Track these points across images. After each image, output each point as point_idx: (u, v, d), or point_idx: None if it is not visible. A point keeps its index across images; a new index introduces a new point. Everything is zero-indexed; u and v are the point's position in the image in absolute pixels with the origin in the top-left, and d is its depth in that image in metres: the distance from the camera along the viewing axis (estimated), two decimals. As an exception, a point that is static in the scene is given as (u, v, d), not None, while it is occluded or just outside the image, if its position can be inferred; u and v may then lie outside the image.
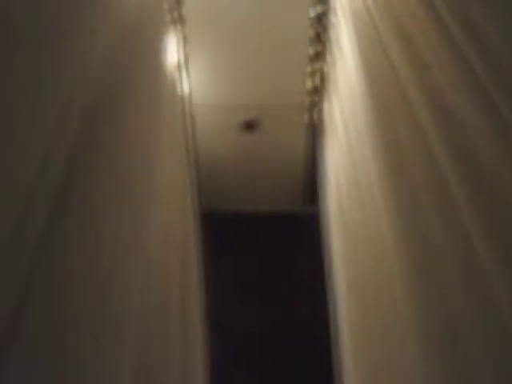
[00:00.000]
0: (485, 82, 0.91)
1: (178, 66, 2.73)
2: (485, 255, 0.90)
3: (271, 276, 3.88)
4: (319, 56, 2.97)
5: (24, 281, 0.85)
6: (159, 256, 1.73)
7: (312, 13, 2.78)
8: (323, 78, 3.06)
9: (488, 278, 0.89)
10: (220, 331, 3.13)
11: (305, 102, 3.31)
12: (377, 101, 1.70)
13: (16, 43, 0.87)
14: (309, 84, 3.18)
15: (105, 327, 1.10)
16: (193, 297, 2.48)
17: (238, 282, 3.81)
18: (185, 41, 2.80)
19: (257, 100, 3.36)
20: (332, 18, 2.64)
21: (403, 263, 1.38)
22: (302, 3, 2.76)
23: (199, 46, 2.94)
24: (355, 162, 2.16)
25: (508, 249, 0.86)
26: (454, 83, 1.06)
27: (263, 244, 4.02)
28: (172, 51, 2.50)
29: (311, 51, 2.98)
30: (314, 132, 3.52)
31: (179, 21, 2.66)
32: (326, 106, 3.10)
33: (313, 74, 3.11)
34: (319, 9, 2.74)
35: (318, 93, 3.20)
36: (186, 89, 2.96)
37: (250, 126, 3.51)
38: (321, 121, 3.30)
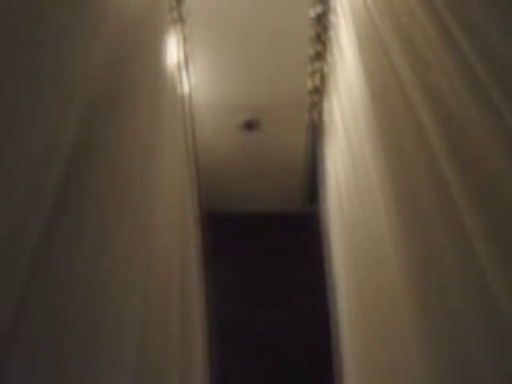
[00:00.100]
0: (485, 82, 0.91)
1: (178, 66, 2.73)
2: (485, 255, 0.90)
3: (271, 276, 3.88)
4: (319, 56, 2.97)
5: (24, 281, 0.85)
6: (159, 256, 1.73)
7: (312, 13, 2.78)
8: (323, 78, 3.06)
9: (488, 277, 0.89)
10: (220, 331, 3.13)
11: (305, 102, 3.31)
12: (377, 101, 1.70)
13: (16, 43, 0.87)
14: (309, 84, 3.18)
15: (105, 327, 1.10)
16: (193, 297, 2.48)
17: (238, 282, 3.81)
18: (185, 41, 2.80)
19: (257, 100, 3.36)
20: (332, 18, 2.64)
21: (403, 263, 1.38)
22: (302, 3, 2.76)
23: (199, 45, 2.94)
24: (355, 161, 2.16)
25: (508, 249, 0.86)
26: (454, 83, 1.06)
27: (263, 244, 4.02)
28: (172, 51, 2.50)
29: (311, 51, 2.98)
30: (314, 132, 3.52)
31: (179, 21, 2.66)
32: (326, 105, 3.10)
33: (313, 74, 3.11)
34: (319, 9, 2.74)
35: (318, 93, 3.20)
36: (186, 89, 2.95)
37: (250, 125, 3.51)
38: (321, 121, 3.30)
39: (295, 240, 4.02)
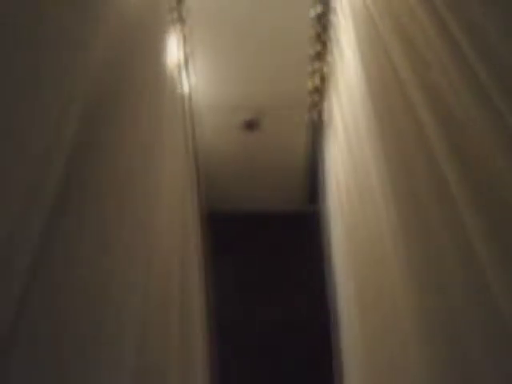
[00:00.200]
0: (485, 82, 0.91)
1: (178, 66, 2.73)
2: (485, 255, 0.90)
3: (271, 276, 3.88)
4: (319, 56, 2.97)
5: (24, 281, 0.85)
6: (159, 256, 1.73)
7: (312, 13, 2.78)
8: (323, 78, 3.06)
9: (488, 277, 0.89)
10: (220, 331, 3.13)
11: (305, 101, 3.31)
12: (377, 101, 1.70)
13: (16, 43, 0.87)
14: (309, 84, 3.18)
15: (105, 327, 1.10)
16: (193, 297, 2.48)
17: (238, 282, 3.81)
18: (185, 41, 2.80)
19: (257, 100, 3.37)
20: (332, 18, 2.64)
21: (403, 263, 1.38)
22: (302, 3, 2.76)
23: (199, 45, 2.94)
24: (355, 161, 2.16)
25: (508, 249, 0.86)
26: (454, 83, 1.06)
27: (263, 244, 4.02)
28: (172, 51, 2.50)
29: (311, 51, 2.98)
30: (315, 132, 3.52)
31: (179, 21, 2.66)
32: (326, 105, 3.10)
33: (313, 74, 3.11)
34: (319, 9, 2.74)
35: (318, 93, 3.20)
36: (186, 89, 2.95)
37: (250, 125, 3.51)
38: (321, 121, 3.30)
39: (295, 240, 4.02)
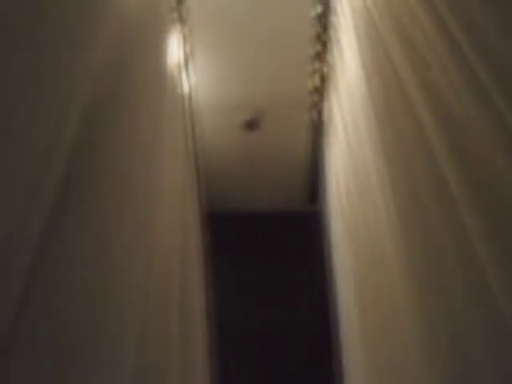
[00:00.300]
0: (485, 82, 0.91)
1: (178, 66, 2.73)
2: (485, 255, 0.90)
3: (271, 276, 3.89)
4: (320, 56, 2.97)
5: (24, 281, 0.85)
6: (159, 256, 1.73)
7: (312, 13, 2.78)
8: (323, 78, 3.06)
9: (488, 277, 0.89)
10: (220, 331, 3.13)
11: (306, 101, 3.31)
12: (377, 101, 1.70)
13: (16, 43, 0.87)
14: (309, 84, 3.18)
15: (105, 327, 1.10)
16: (193, 297, 2.48)
17: (237, 282, 3.81)
18: (185, 41, 2.80)
19: (258, 100, 3.37)
20: (332, 18, 2.64)
21: (403, 263, 1.38)
22: (302, 3, 2.76)
23: (199, 45, 2.94)
24: (355, 161, 2.16)
25: (508, 249, 0.86)
26: (454, 83, 1.06)
27: (263, 244, 4.03)
28: (172, 51, 2.50)
29: (311, 51, 2.98)
30: (315, 132, 3.52)
31: (179, 21, 2.66)
32: (326, 105, 3.10)
33: (313, 73, 3.11)
34: (319, 9, 2.74)
35: (318, 93, 3.20)
36: (186, 88, 2.96)
37: (250, 125, 3.51)
38: (321, 120, 3.30)
39: (295, 240, 4.02)
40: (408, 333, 1.35)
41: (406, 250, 1.36)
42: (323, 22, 2.78)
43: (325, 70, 2.99)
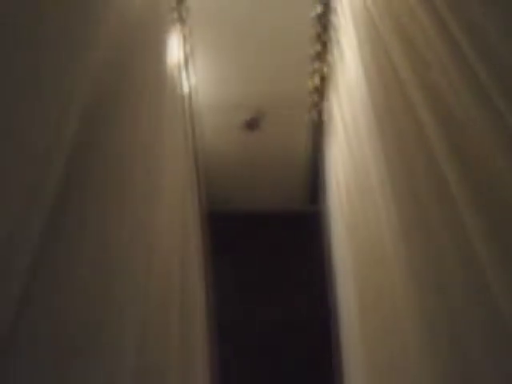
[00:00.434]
0: (485, 82, 0.91)
1: (179, 66, 2.73)
2: (485, 255, 0.90)
3: (271, 276, 3.89)
4: (320, 56, 2.97)
5: (24, 281, 0.85)
6: (159, 256, 1.73)
7: (312, 13, 2.78)
8: (323, 78, 3.06)
9: (488, 277, 0.89)
10: (220, 331, 3.13)
11: (306, 101, 3.31)
12: (377, 101, 1.70)
13: (16, 43, 0.87)
14: (309, 84, 3.18)
15: (105, 327, 1.10)
16: (193, 297, 2.48)
17: (238, 282, 3.81)
18: (185, 41, 2.80)
19: (258, 100, 3.37)
20: (332, 18, 2.64)
21: (403, 263, 1.38)
22: (303, 3, 2.76)
23: (199, 45, 2.94)
24: (355, 161, 2.16)
25: (508, 249, 0.86)
26: (454, 83, 1.06)
27: (263, 244, 4.03)
28: (172, 51, 2.50)
29: (312, 51, 2.98)
30: (316, 131, 3.52)
31: (179, 21, 2.66)
32: (327, 105, 3.10)
33: (313, 73, 3.11)
34: (319, 9, 2.74)
35: (318, 93, 3.20)
36: (186, 88, 2.96)
37: (251, 125, 3.51)
38: (322, 120, 3.30)
39: (295, 240, 4.02)
40: (408, 333, 1.35)
41: (406, 250, 1.36)
42: (323, 22, 2.78)
43: (325, 70, 2.99)
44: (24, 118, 0.88)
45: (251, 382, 3.42)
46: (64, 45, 1.05)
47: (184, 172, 2.67)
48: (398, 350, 1.52)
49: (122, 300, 1.22)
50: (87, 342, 1.01)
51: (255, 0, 2.77)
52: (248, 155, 3.78)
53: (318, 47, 2.93)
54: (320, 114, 3.29)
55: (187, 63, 2.92)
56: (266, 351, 3.54)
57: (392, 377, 1.63)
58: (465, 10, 1.00)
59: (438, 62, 1.14)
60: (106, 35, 1.32)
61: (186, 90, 2.94)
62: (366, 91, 1.84)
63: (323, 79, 3.06)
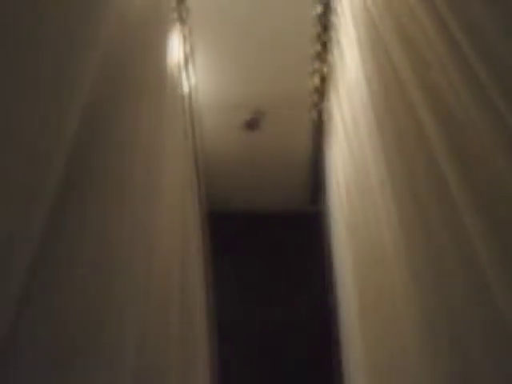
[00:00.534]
0: (485, 82, 0.91)
1: (179, 66, 2.73)
2: (485, 255, 0.90)
3: (271, 276, 3.89)
4: (320, 56, 2.97)
5: (24, 281, 0.85)
6: (159, 256, 1.73)
7: (312, 13, 2.78)
8: (324, 78, 3.06)
9: (488, 277, 0.89)
10: (220, 331, 3.13)
11: (307, 101, 3.31)
12: (377, 101, 1.70)
13: (16, 43, 0.87)
14: (309, 84, 3.18)
15: (105, 327, 1.10)
16: (193, 297, 2.48)
17: (238, 282, 3.81)
18: (185, 41, 2.80)
19: (258, 99, 3.37)
20: (332, 18, 2.64)
21: (403, 263, 1.38)
22: (303, 3, 2.76)
23: (200, 45, 2.94)
24: (356, 162, 2.16)
25: (508, 249, 0.86)
26: (454, 83, 1.06)
27: (263, 244, 4.03)
28: (172, 51, 2.50)
29: (312, 51, 2.98)
30: (317, 131, 3.52)
31: (179, 20, 2.66)
32: (327, 105, 3.10)
33: (313, 73, 3.11)
34: (319, 9, 2.74)
35: (318, 93, 3.20)
36: (186, 88, 2.96)
37: (251, 125, 3.51)
38: (323, 120, 3.30)
39: (296, 240, 4.02)
40: (408, 333, 1.36)
41: (406, 250, 1.36)
42: (323, 22, 2.78)
43: (325, 70, 2.99)
44: (24, 118, 0.88)
45: (251, 381, 3.42)
46: (64, 45, 1.05)
47: (184, 172, 2.67)
48: (398, 349, 1.52)
49: (122, 300, 1.21)
50: (87, 341, 1.01)
51: (255, 0, 2.77)
52: (248, 155, 3.78)
53: (318, 47, 2.93)
54: (320, 113, 3.29)
55: (187, 63, 2.92)
56: (266, 351, 3.54)
57: (392, 377, 1.63)
58: (465, 10, 0.99)
59: (438, 62, 1.14)
60: (106, 35, 1.32)
61: (186, 89, 2.94)
62: (366, 91, 1.84)
63: (323, 79, 3.06)
